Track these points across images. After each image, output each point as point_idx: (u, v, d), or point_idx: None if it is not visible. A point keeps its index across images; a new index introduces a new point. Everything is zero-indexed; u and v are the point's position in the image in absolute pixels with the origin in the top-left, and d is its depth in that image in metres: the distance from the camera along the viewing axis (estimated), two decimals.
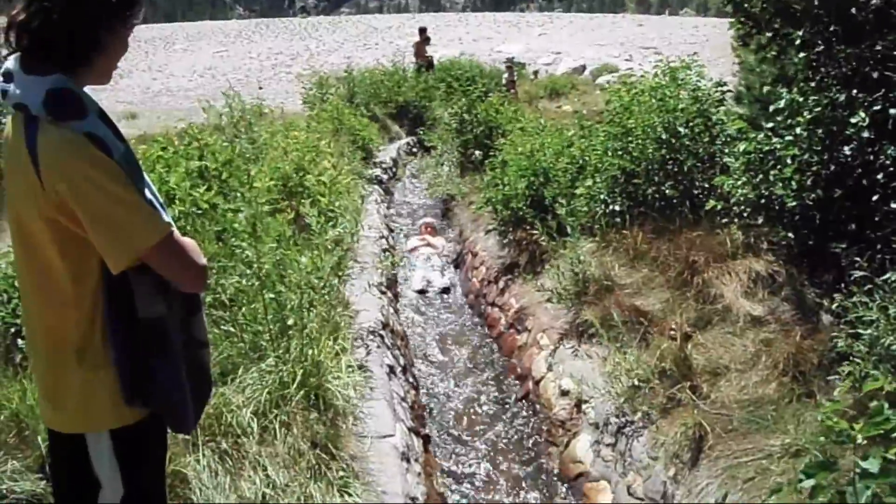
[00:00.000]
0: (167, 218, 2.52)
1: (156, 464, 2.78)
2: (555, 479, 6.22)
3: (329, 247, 7.44)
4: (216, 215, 6.45)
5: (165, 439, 2.83)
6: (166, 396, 2.62)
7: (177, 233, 2.52)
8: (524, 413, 7.24)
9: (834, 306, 5.19)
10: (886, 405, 2.95)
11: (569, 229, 8.15)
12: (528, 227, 8.99)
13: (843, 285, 5.21)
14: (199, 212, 6.52)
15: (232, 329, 5.41)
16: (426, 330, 9.33)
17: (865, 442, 2.82)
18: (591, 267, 7.57)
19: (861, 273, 5.00)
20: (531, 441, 6.80)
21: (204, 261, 2.60)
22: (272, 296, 5.54)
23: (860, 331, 4.87)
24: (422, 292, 10.65)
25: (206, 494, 4.14)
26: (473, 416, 7.20)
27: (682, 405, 5.51)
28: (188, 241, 2.56)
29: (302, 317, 5.59)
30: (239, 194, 7.23)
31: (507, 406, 7.41)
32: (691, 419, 5.24)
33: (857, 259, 4.98)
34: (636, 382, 5.91)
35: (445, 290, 10.74)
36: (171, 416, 2.70)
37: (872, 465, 2.69)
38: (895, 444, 2.86)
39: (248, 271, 5.61)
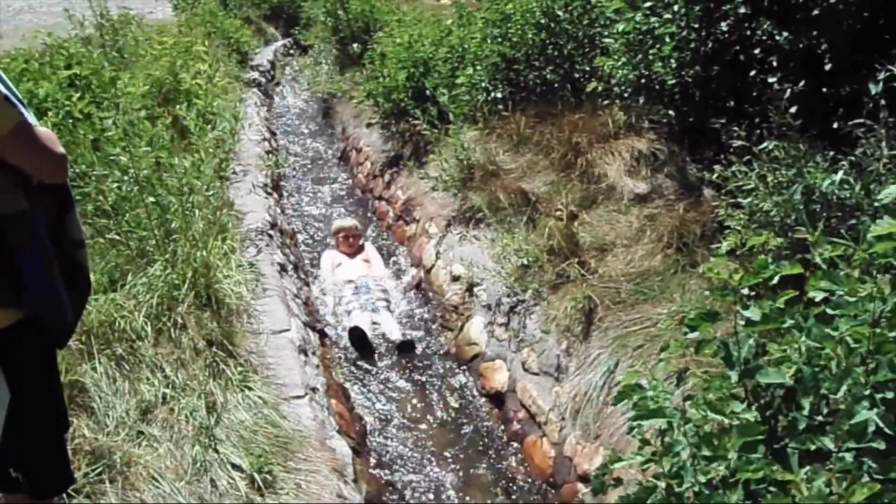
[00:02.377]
0: (25, 112, 2.42)
1: (41, 367, 2.70)
2: (453, 363, 6.34)
3: (210, 149, 7.29)
4: (91, 124, 6.21)
5: (48, 341, 2.73)
6: (39, 296, 2.53)
7: (31, 122, 2.42)
8: (417, 301, 7.32)
9: (714, 177, 5.32)
10: (769, 258, 3.06)
11: (451, 118, 8.14)
12: (410, 119, 8.95)
13: (723, 157, 5.35)
14: (74, 121, 6.28)
15: (117, 237, 5.28)
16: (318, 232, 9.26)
17: (748, 293, 2.92)
18: (475, 154, 7.61)
19: (740, 143, 5.14)
20: (428, 326, 6.88)
21: (62, 150, 2.49)
22: (153, 199, 5.42)
23: (740, 200, 5.01)
24: (363, 348, 6.67)
25: (105, 401, 4.09)
26: None
27: (571, 281, 5.64)
28: (43, 131, 2.46)
29: (186, 219, 5.50)
30: (112, 103, 7.01)
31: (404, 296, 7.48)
32: (581, 293, 5.38)
33: (736, 129, 5.10)
34: (525, 262, 6.02)
35: (407, 346, 6.66)
36: (46, 316, 2.62)
37: (754, 314, 2.80)
38: (777, 296, 2.98)
39: (125, 177, 5.47)
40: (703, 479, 2.58)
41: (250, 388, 4.43)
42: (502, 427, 5.58)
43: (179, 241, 5.32)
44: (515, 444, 5.40)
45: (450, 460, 5.22)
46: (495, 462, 5.25)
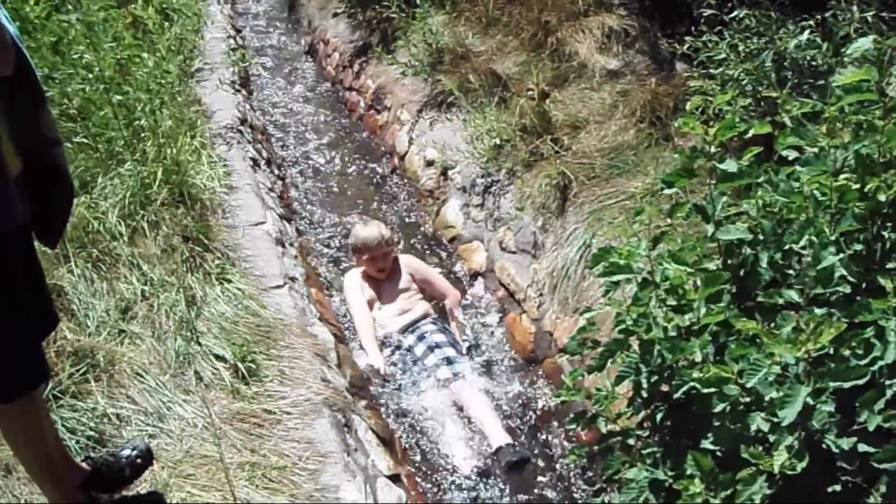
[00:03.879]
0: None
1: (19, 274, 2.65)
2: (432, 243, 6.36)
3: (172, 47, 7.15)
4: (50, 27, 6.06)
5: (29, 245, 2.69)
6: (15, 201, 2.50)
7: None
8: (394, 187, 7.30)
9: (685, 49, 5.28)
10: (737, 118, 3.07)
11: (419, 2, 7.99)
12: (377, 6, 8.76)
13: (694, 30, 5.30)
14: (32, 26, 6.12)
15: (85, 140, 5.21)
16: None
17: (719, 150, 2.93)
18: (444, 38, 7.50)
19: (710, 11, 5.08)
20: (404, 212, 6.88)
21: (6, 41, 2.41)
22: (119, 98, 5.34)
23: (712, 70, 4.99)
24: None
25: (85, 302, 4.10)
26: (346, 195, 7.20)
27: (544, 158, 5.64)
28: None
29: (154, 117, 5.43)
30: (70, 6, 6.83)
31: (377, 183, 7.44)
32: (555, 170, 5.38)
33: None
34: (498, 142, 6.01)
35: (519, 464, 4.43)
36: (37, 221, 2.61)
37: (730, 165, 2.81)
38: (748, 152, 3.00)
39: (90, 76, 5.38)
40: (668, 325, 2.62)
41: (229, 281, 4.44)
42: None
43: (148, 139, 5.26)
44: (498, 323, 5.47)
45: None
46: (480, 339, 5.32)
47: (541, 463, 4.42)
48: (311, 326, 4.46)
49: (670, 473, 2.59)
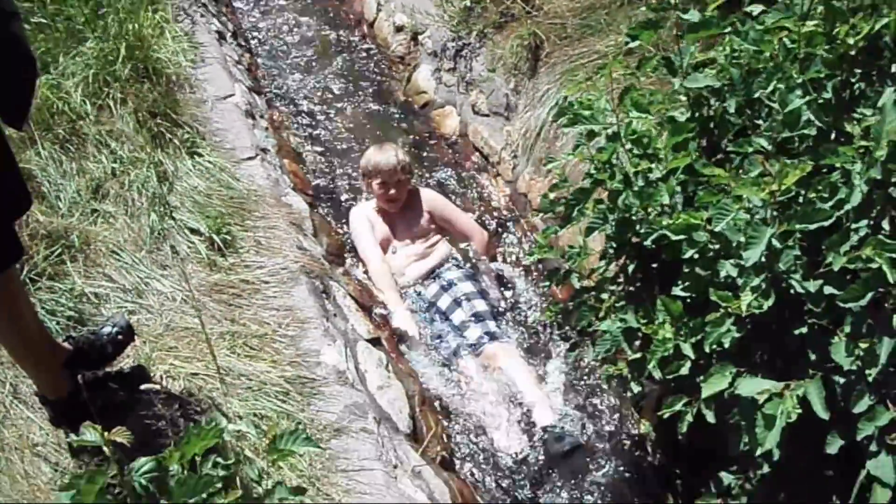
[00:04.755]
0: None
1: None
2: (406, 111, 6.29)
3: None
4: None
5: None
6: None
7: None
8: (364, 55, 7.16)
9: None
10: None
11: None
12: None
13: None
14: None
15: (43, 20, 5.07)
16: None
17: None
18: None
19: None
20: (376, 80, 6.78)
21: None
22: None
23: None
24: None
25: (55, 184, 4.06)
26: (315, 66, 7.07)
27: (515, 19, 5.54)
28: None
29: None
30: None
31: (347, 52, 7.29)
32: (526, 31, 5.29)
33: None
34: (468, 3, 5.88)
35: (574, 450, 3.87)
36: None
37: (693, 16, 2.78)
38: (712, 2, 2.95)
39: None
40: (634, 172, 2.62)
41: (200, 155, 4.39)
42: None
43: (109, 15, 5.12)
44: (474, 186, 5.46)
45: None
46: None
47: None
48: (286, 196, 4.45)
49: (642, 321, 2.63)
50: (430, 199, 5.02)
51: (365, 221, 4.88)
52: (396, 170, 4.80)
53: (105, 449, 1.56)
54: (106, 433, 1.60)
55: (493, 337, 4.37)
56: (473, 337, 4.39)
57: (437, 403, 4.04)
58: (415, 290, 4.70)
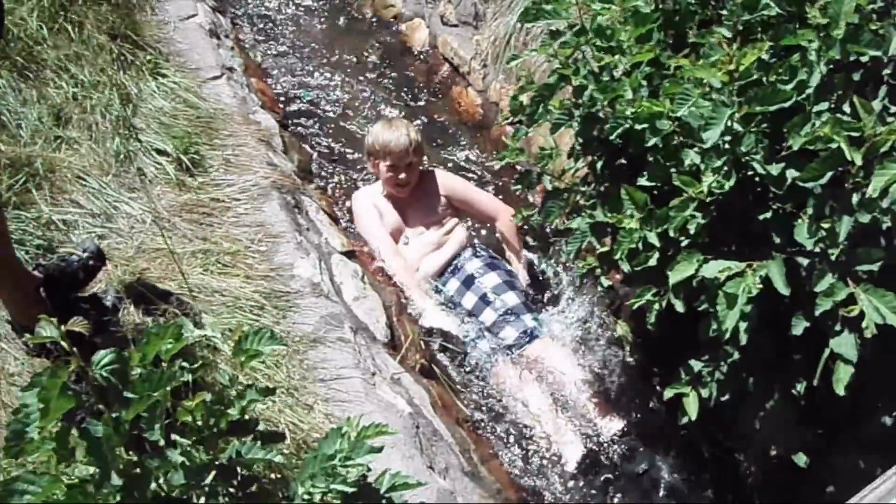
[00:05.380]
0: None
1: None
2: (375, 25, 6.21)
3: None
4: None
5: None
6: None
7: None
8: None
9: None
10: None
11: None
12: None
13: None
14: None
15: None
16: None
17: None
18: None
19: None
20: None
21: None
22: None
23: None
24: None
25: (15, 112, 3.98)
26: None
27: None
28: None
29: None
30: None
31: None
32: None
33: None
34: None
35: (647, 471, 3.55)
36: None
37: None
38: None
39: None
40: (596, 66, 2.61)
41: (164, 76, 4.33)
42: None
43: None
44: (443, 97, 5.42)
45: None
46: (427, 114, 5.28)
47: None
48: (254, 114, 4.41)
49: (610, 215, 2.63)
50: (447, 181, 4.46)
51: (371, 209, 4.30)
52: (408, 150, 4.20)
53: (63, 343, 1.55)
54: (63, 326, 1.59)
55: (532, 335, 3.89)
56: (511, 338, 3.91)
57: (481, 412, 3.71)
58: (434, 286, 4.18)
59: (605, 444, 3.57)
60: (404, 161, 4.21)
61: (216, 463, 1.64)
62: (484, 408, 3.76)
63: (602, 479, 3.50)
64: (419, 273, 4.16)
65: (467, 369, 3.86)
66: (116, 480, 1.53)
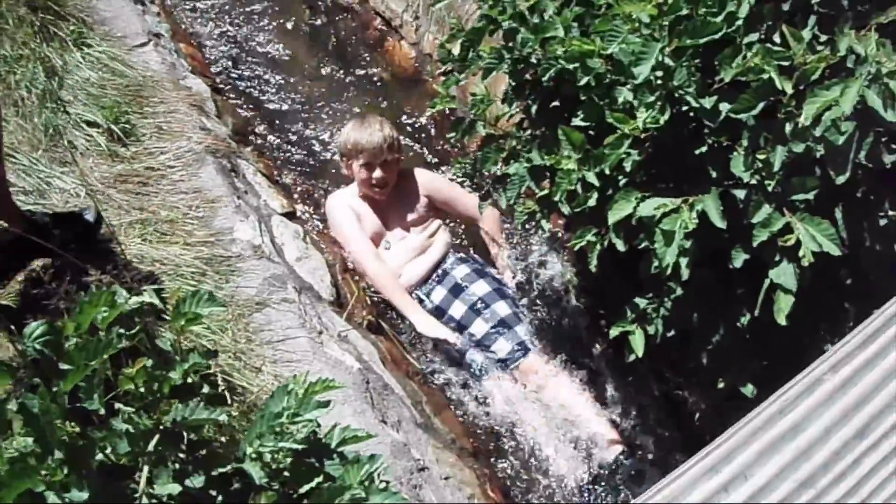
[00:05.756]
0: None
1: None
2: None
3: None
4: None
5: None
6: None
7: None
8: None
9: None
10: None
11: None
12: None
13: None
14: None
15: None
16: None
17: None
18: None
19: None
20: None
21: None
22: None
23: None
24: None
25: None
26: None
27: None
28: None
29: None
30: None
31: None
32: None
33: None
34: None
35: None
36: None
37: None
38: None
39: None
40: (525, 7, 2.59)
41: (89, 46, 4.21)
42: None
43: None
44: (377, 52, 5.35)
45: (318, 78, 5.15)
46: (361, 70, 5.21)
47: None
48: (184, 80, 4.33)
49: (546, 157, 2.63)
50: (428, 180, 4.22)
51: (348, 212, 4.03)
52: (383, 148, 3.94)
53: None
54: None
55: (526, 348, 3.71)
56: (504, 351, 3.72)
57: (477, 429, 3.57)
58: (417, 295, 3.97)
59: (608, 467, 3.41)
60: (379, 159, 3.94)
61: (160, 428, 1.62)
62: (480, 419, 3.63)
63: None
64: (402, 279, 3.94)
65: (462, 381, 3.71)
66: (58, 454, 1.50)
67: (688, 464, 1.55)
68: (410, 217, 4.09)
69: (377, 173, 3.95)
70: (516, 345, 3.70)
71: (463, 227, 4.36)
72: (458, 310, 3.83)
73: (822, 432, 1.60)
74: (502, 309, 3.78)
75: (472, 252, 4.18)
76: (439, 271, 3.97)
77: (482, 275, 3.92)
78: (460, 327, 3.80)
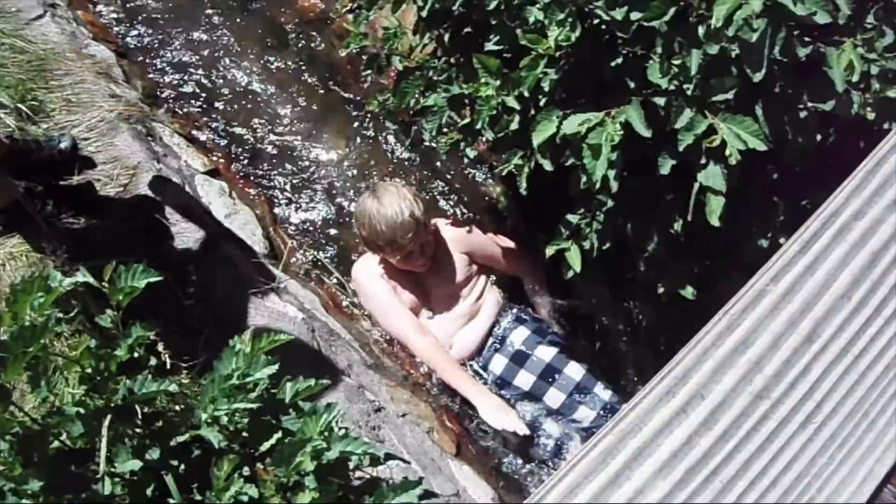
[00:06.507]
0: None
1: None
2: None
3: None
4: None
5: None
6: None
7: None
8: None
9: None
10: None
11: None
12: None
13: None
14: None
15: None
16: None
17: None
18: None
19: None
20: None
21: None
22: None
23: None
24: None
25: None
26: None
27: None
28: None
29: None
30: None
31: None
32: None
33: None
34: None
35: None
36: None
37: None
38: None
39: None
40: None
41: None
42: None
43: None
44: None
45: (221, 27, 5.00)
46: (265, 16, 5.08)
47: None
48: (87, 48, 4.19)
49: (465, 85, 2.61)
50: (462, 236, 3.62)
51: (382, 284, 3.50)
52: (414, 229, 3.30)
53: None
54: None
55: (614, 409, 3.30)
56: (588, 419, 3.34)
57: None
58: (473, 368, 3.52)
59: None
60: (417, 243, 3.36)
61: (112, 406, 1.60)
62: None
63: None
64: (453, 352, 3.48)
65: (533, 464, 3.33)
66: (3, 445, 1.49)
67: (644, 390, 1.57)
68: (452, 281, 3.55)
69: (417, 260, 3.43)
70: (601, 410, 3.32)
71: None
72: (525, 380, 3.40)
73: (771, 343, 1.62)
74: (575, 372, 3.38)
75: (524, 307, 3.68)
76: (495, 337, 3.52)
77: (543, 334, 3.50)
78: (530, 398, 3.39)
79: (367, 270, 3.53)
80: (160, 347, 2.54)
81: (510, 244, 3.65)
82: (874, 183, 1.81)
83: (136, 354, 1.75)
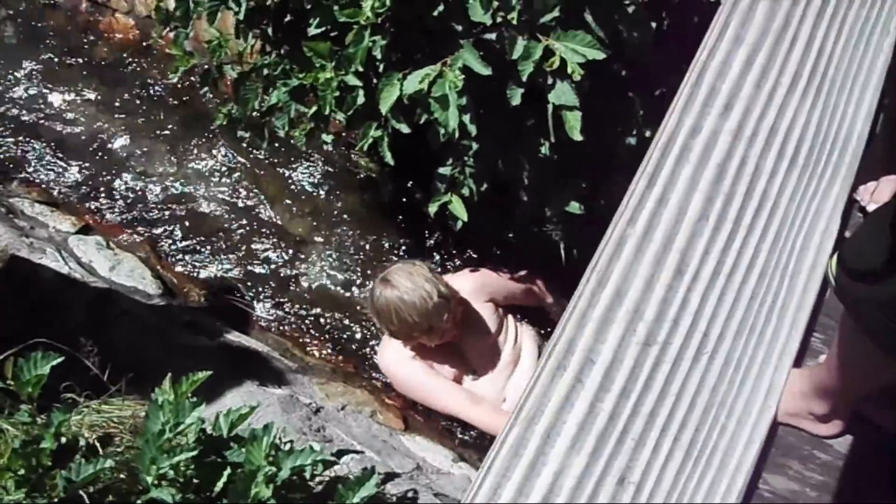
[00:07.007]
0: None
1: None
2: None
3: None
4: None
5: None
6: None
7: None
8: None
9: None
10: None
11: None
12: None
13: None
14: None
15: None
16: None
17: None
18: None
19: None
20: None
21: None
22: None
23: None
24: None
25: None
26: None
27: None
28: None
29: None
30: None
31: None
32: None
33: None
34: None
35: None
36: None
37: None
38: None
39: None
40: None
41: None
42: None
43: None
44: (96, 34, 5.06)
45: (47, 76, 4.81)
46: (88, 58, 4.93)
47: None
48: None
49: (302, 75, 2.60)
50: (479, 284, 3.39)
51: (416, 365, 3.28)
52: (443, 313, 3.06)
53: None
54: None
55: None
56: None
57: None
58: None
59: None
60: (443, 325, 3.09)
61: (56, 502, 1.59)
62: None
63: None
64: (507, 405, 3.26)
65: None
66: None
67: (536, 372, 1.54)
68: (486, 334, 3.34)
69: (451, 330, 3.18)
70: None
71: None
72: None
73: (643, 287, 1.59)
74: None
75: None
76: None
77: None
78: None
79: (398, 359, 3.29)
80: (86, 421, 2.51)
81: (522, 273, 3.51)
82: (701, 94, 1.78)
83: (63, 441, 1.73)
